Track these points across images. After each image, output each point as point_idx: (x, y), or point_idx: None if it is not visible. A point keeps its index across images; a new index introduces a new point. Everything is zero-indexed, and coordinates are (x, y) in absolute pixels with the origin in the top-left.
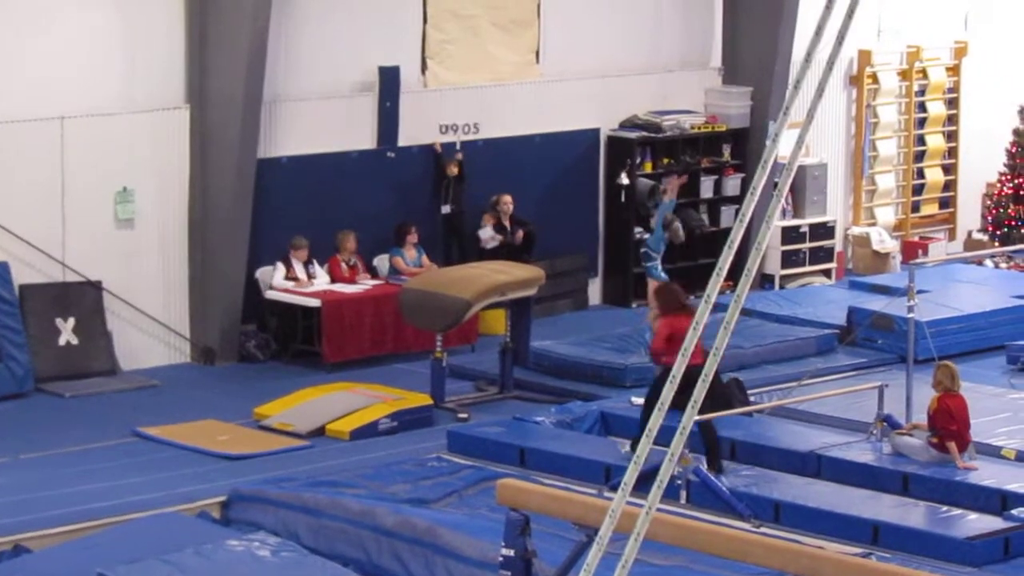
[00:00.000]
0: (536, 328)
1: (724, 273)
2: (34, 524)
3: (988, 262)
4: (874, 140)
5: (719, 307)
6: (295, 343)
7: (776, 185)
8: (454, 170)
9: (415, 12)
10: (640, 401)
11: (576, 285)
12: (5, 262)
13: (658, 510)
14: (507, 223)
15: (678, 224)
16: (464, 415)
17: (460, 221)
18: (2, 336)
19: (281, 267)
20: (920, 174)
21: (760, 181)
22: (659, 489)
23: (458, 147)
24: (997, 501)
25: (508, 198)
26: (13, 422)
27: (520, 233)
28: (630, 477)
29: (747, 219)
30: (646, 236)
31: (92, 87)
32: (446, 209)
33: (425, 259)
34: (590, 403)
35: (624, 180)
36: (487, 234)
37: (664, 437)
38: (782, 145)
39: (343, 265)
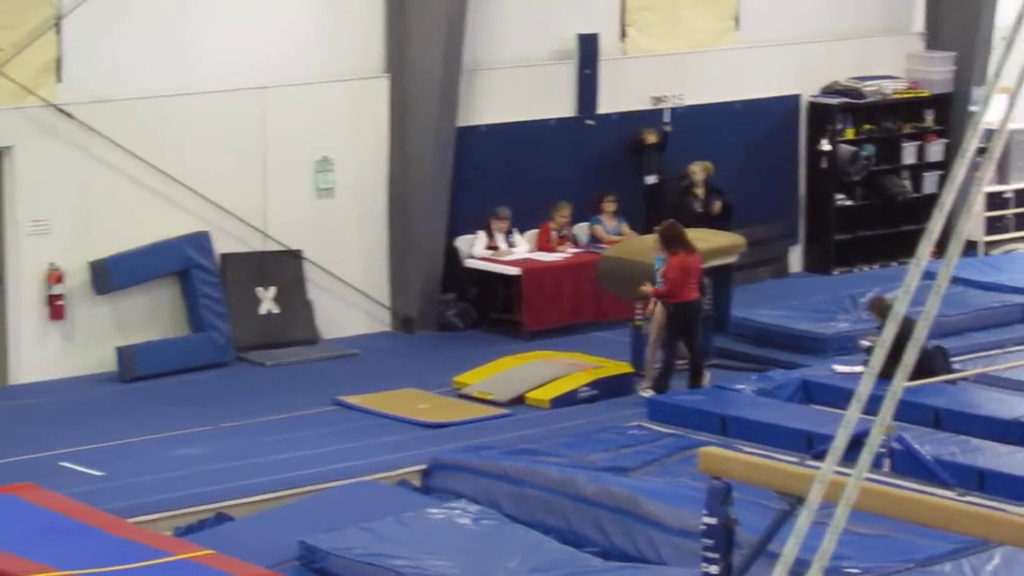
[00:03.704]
0: (736, 295)
1: (935, 235)
2: (235, 492)
3: None
4: None
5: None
6: (495, 312)
7: (983, 150)
8: (651, 138)
9: None
10: (843, 369)
11: (776, 252)
12: (206, 231)
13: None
14: (700, 192)
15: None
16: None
17: (662, 190)
18: (203, 305)
19: (482, 236)
20: None
21: (971, 144)
22: (868, 455)
23: (667, 118)
24: None
25: (698, 167)
26: (214, 391)
27: (717, 204)
28: (841, 442)
29: (958, 181)
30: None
31: (293, 57)
32: (651, 179)
33: (625, 227)
34: (791, 371)
35: (825, 146)
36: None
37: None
38: (989, 110)
39: (553, 234)
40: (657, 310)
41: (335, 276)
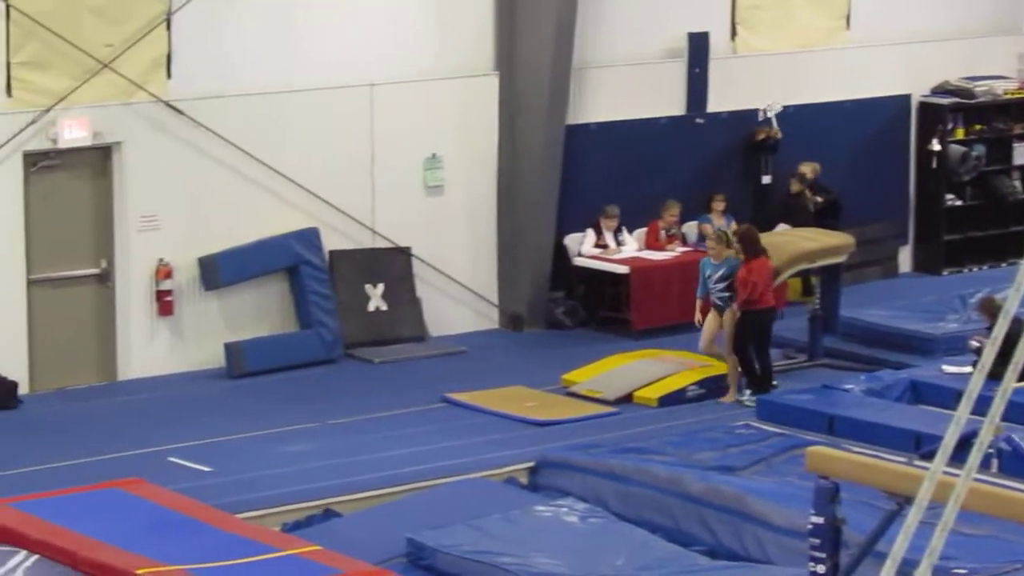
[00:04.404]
0: (845, 295)
1: None
2: (343, 488)
3: None
4: None
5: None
6: (603, 310)
7: None
8: (763, 136)
9: None
10: (953, 369)
11: (886, 253)
12: (315, 228)
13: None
14: (802, 189)
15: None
16: (773, 382)
17: (772, 189)
18: (312, 302)
19: (590, 234)
20: None
21: None
22: (978, 455)
23: (775, 125)
24: None
25: (806, 169)
26: (323, 387)
27: (818, 198)
28: (951, 439)
29: None
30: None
31: (401, 54)
32: (767, 179)
33: (733, 226)
34: (900, 371)
35: (936, 147)
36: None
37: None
38: None
39: (661, 232)
40: (724, 319)
41: (444, 273)
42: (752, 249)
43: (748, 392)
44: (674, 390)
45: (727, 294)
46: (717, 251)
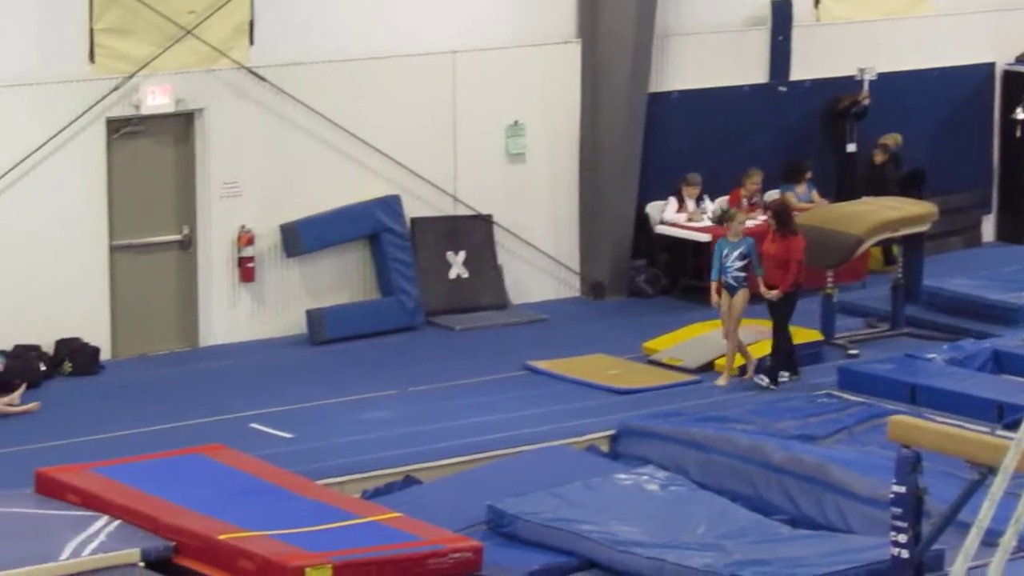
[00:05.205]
0: (928, 265)
1: None
2: (424, 456)
3: None
4: None
5: None
6: (685, 278)
7: None
8: (848, 103)
9: None
10: None
11: (969, 222)
12: (397, 195)
13: None
14: (885, 159)
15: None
16: (854, 352)
17: (857, 158)
18: (393, 269)
19: (673, 202)
20: None
21: None
22: None
23: (866, 89)
24: None
25: (888, 140)
26: (404, 355)
27: (880, 156)
28: None
29: None
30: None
31: (484, 22)
32: (852, 148)
33: (815, 195)
34: (983, 341)
35: (1020, 115)
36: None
37: None
38: None
39: (743, 201)
40: (736, 299)
41: (525, 241)
42: (789, 225)
43: (788, 374)
44: (755, 359)
45: (743, 274)
46: (739, 229)
